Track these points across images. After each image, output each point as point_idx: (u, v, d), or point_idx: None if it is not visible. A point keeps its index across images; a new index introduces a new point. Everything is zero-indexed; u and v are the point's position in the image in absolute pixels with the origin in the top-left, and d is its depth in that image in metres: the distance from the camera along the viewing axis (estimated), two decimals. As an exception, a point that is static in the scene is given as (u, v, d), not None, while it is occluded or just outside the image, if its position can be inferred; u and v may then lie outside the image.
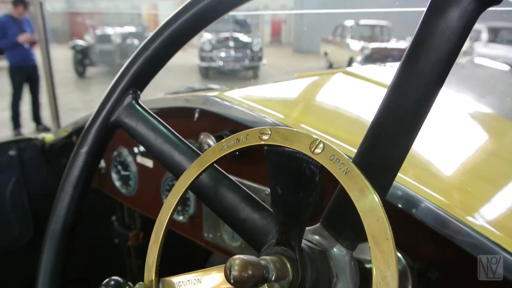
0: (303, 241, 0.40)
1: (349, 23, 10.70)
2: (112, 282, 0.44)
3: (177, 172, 0.49)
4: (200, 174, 0.45)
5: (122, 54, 10.32)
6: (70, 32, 13.84)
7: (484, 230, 0.55)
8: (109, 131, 0.56)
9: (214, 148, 0.45)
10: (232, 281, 0.33)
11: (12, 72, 5.35)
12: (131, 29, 11.57)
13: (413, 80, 0.36)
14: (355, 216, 0.35)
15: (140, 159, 1.20)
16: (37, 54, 5.31)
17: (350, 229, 0.40)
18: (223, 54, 10.00)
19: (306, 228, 0.41)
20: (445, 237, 0.57)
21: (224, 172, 0.50)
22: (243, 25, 11.38)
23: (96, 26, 12.01)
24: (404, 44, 8.28)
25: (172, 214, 0.45)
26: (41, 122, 5.70)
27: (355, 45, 9.93)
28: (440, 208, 0.59)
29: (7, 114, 5.54)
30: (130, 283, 0.45)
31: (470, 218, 0.58)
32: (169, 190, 1.12)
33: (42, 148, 1.39)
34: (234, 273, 0.33)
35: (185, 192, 0.46)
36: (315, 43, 12.94)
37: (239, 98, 0.93)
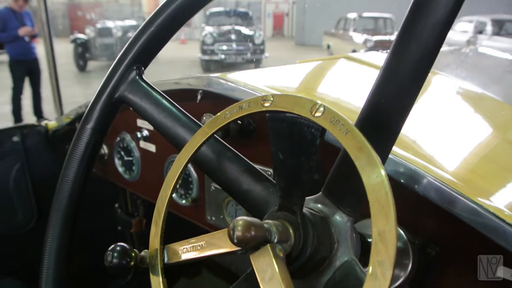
0: (306, 208, 0.41)
1: (352, 15, 10.64)
2: (118, 248, 0.43)
3: (180, 144, 0.49)
4: (205, 142, 0.45)
5: (123, 47, 10.29)
6: (71, 26, 13.84)
7: (487, 205, 0.55)
8: (114, 107, 0.57)
9: (217, 117, 0.45)
10: (235, 241, 0.34)
11: (13, 66, 5.31)
12: (131, 22, 11.55)
13: (412, 44, 0.37)
14: (356, 183, 0.36)
15: (143, 144, 1.20)
16: (38, 48, 5.30)
17: (351, 196, 0.41)
18: (224, 47, 9.97)
19: (308, 197, 0.42)
20: (446, 212, 0.57)
21: (227, 144, 0.50)
22: (245, 18, 11.37)
23: (97, 20, 11.99)
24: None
25: (177, 183, 0.45)
26: (43, 116, 5.69)
27: (358, 38, 9.88)
28: (442, 182, 0.59)
29: (8, 107, 5.53)
30: (135, 250, 0.44)
31: (472, 193, 0.58)
32: None
33: (46, 134, 1.41)
34: (238, 233, 0.33)
35: (190, 160, 0.45)
36: (317, 36, 12.88)
37: (242, 80, 0.92)
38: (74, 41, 10.18)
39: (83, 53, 10.18)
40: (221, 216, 0.98)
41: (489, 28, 7.43)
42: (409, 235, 0.65)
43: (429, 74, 0.38)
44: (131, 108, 0.56)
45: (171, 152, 1.11)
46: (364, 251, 0.43)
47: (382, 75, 0.40)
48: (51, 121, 1.45)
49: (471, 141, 0.88)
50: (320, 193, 0.43)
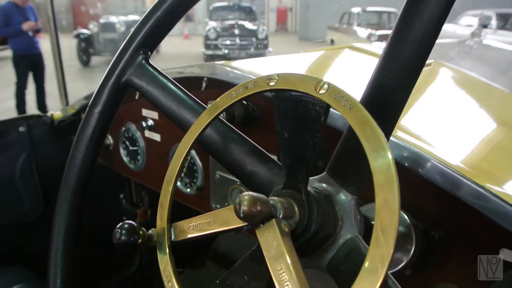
0: (310, 187, 0.41)
1: (356, 10, 10.58)
2: (126, 226, 0.44)
3: (186, 126, 0.49)
4: (211, 122, 0.45)
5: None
6: (74, 21, 13.85)
7: (492, 189, 0.56)
8: (121, 91, 0.58)
9: (223, 97, 0.45)
10: (241, 215, 0.34)
11: (16, 61, 5.28)
12: (135, 17, 11.52)
13: (414, 23, 0.38)
14: (359, 162, 0.38)
15: (148, 133, 1.20)
16: (42, 42, 5.30)
17: (354, 175, 0.41)
18: (228, 42, 9.96)
19: (313, 177, 0.43)
20: (450, 196, 0.58)
21: (232, 126, 0.51)
22: (248, 13, 11.34)
23: (100, 15, 11.98)
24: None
25: (184, 162, 0.46)
26: (47, 111, 5.68)
27: (362, 32, 9.83)
28: (447, 166, 0.59)
29: (12, 102, 5.54)
30: (143, 228, 0.45)
31: (477, 177, 0.58)
32: None
33: (51, 125, 1.42)
34: (244, 208, 0.34)
35: (196, 139, 0.46)
36: (321, 31, 12.83)
37: (247, 68, 0.93)
38: (77, 36, 10.17)
39: (86, 48, 10.16)
40: (226, 204, 0.99)
41: (494, 22, 7.38)
42: (413, 219, 0.66)
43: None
44: (137, 93, 0.56)
45: (176, 141, 1.11)
46: (367, 232, 0.43)
47: (385, 54, 0.40)
48: (57, 112, 1.45)
49: (477, 128, 0.88)
50: (325, 173, 0.44)
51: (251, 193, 0.35)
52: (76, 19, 14.47)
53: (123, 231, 0.43)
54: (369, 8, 10.80)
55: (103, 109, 0.57)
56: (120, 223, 0.44)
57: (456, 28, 7.33)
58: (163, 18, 0.55)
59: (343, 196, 0.41)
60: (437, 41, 0.39)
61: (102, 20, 10.78)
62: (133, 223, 0.44)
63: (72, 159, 0.57)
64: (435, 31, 0.38)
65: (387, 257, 0.30)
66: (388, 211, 0.30)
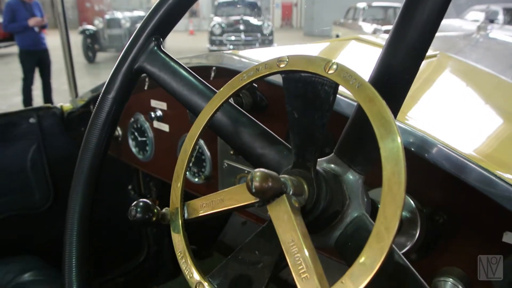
0: (319, 167, 0.42)
1: (361, 5, 10.54)
2: (141, 204, 0.45)
3: (198, 110, 0.50)
4: (223, 103, 0.46)
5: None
6: (79, 17, 13.86)
7: (499, 174, 0.56)
8: (133, 77, 0.59)
9: (235, 79, 0.46)
10: (253, 190, 0.35)
11: (23, 56, 5.30)
12: (140, 13, 11.52)
13: (419, 8, 0.39)
14: (366, 143, 0.39)
15: (156, 124, 1.22)
16: (48, 38, 5.32)
17: (361, 155, 0.42)
18: (233, 38, 9.96)
19: (321, 159, 0.44)
20: (455, 181, 0.59)
21: (242, 110, 0.52)
22: (253, 8, 11.31)
23: (105, 11, 11.98)
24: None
25: (196, 143, 0.47)
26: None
27: (368, 27, 9.78)
28: (453, 150, 0.60)
29: (19, 98, 5.57)
30: (158, 207, 0.46)
31: (482, 161, 0.59)
32: None
33: (61, 116, 1.44)
34: (256, 183, 0.35)
35: (208, 122, 0.47)
36: (326, 27, 12.79)
37: (255, 57, 0.93)
38: (83, 32, 10.17)
39: (92, 45, 10.16)
40: None
41: (501, 17, 7.33)
42: (418, 203, 0.67)
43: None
44: (146, 84, 0.57)
45: (185, 131, 1.12)
46: (374, 215, 0.44)
47: (391, 37, 0.41)
48: (66, 104, 1.47)
49: (482, 117, 0.89)
50: (333, 154, 0.45)
51: (262, 169, 0.36)
52: (81, 15, 14.50)
53: (138, 209, 0.44)
54: (375, 3, 10.75)
55: (116, 95, 0.58)
56: (136, 201, 0.45)
57: (463, 23, 7.29)
58: (174, 6, 0.56)
59: (351, 176, 0.42)
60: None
61: (107, 16, 10.78)
62: (147, 201, 0.45)
63: (86, 143, 0.58)
64: (439, 15, 0.39)
65: (394, 226, 0.31)
66: (395, 182, 0.31)
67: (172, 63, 0.56)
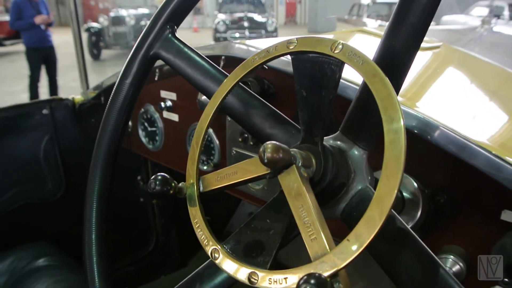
0: (326, 143, 0.45)
1: (366, 1, 10.52)
2: (160, 177, 0.48)
3: (212, 93, 0.52)
4: (236, 84, 0.49)
5: (136, 36, 10.31)
6: (84, 15, 13.90)
7: (499, 153, 0.59)
8: (149, 63, 0.61)
9: (247, 61, 0.49)
10: (265, 161, 0.37)
11: (29, 54, 5.36)
12: (144, 10, 11.56)
13: None
14: (370, 119, 0.42)
15: (166, 114, 1.25)
16: (54, 36, 5.36)
17: (365, 131, 0.45)
18: (237, 35, 10.00)
19: (327, 136, 0.46)
20: (455, 162, 0.61)
21: (252, 92, 0.54)
22: (257, 5, 11.32)
23: (110, 8, 12.00)
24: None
25: (210, 121, 0.49)
26: (59, 103, 5.76)
27: (372, 24, 9.75)
28: (455, 132, 0.63)
29: (25, 95, 5.62)
30: (175, 181, 0.49)
31: (481, 142, 0.61)
32: None
33: (73, 107, 1.48)
34: (268, 154, 0.37)
35: (221, 103, 0.49)
36: (330, 23, 12.77)
37: (261, 46, 0.95)
38: (88, 30, 10.20)
39: (97, 42, 10.19)
40: None
41: (506, 12, 7.30)
42: (420, 184, 0.70)
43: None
44: (156, 75, 0.59)
45: (194, 120, 1.16)
46: None
47: (393, 20, 0.44)
48: (77, 96, 1.51)
49: (480, 103, 0.92)
50: (338, 132, 0.47)
51: (274, 142, 0.38)
52: (86, 12, 14.53)
53: (157, 182, 0.47)
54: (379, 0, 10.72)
55: (133, 80, 0.61)
56: (155, 175, 0.48)
57: (468, 19, 7.28)
58: None
59: (356, 151, 0.45)
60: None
61: (112, 14, 10.82)
62: (166, 175, 0.48)
63: (104, 125, 0.61)
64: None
65: (394, 187, 0.33)
66: (395, 146, 0.34)
67: (186, 49, 0.59)
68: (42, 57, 5.37)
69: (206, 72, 0.56)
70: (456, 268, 0.67)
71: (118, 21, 10.55)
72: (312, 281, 0.32)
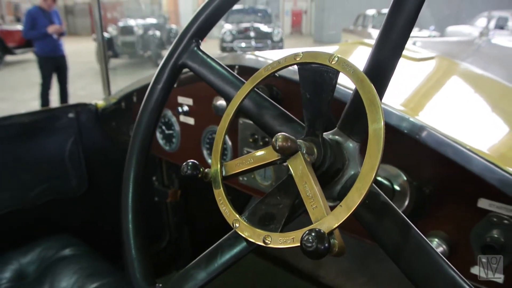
0: (326, 137, 0.54)
1: (371, 12, 10.65)
2: (190, 163, 0.57)
3: (231, 97, 0.63)
4: (253, 88, 0.59)
5: (144, 45, 10.48)
6: (93, 25, 14.09)
7: (475, 149, 0.68)
8: (177, 71, 0.72)
9: (262, 70, 0.59)
10: (277, 148, 0.47)
11: (41, 62, 5.48)
12: (152, 20, 11.74)
13: (399, 13, 0.51)
14: (362, 117, 0.48)
15: (183, 118, 1.36)
16: (65, 45, 5.48)
17: (358, 127, 0.53)
18: (243, 45, 10.11)
19: (327, 132, 0.56)
20: (440, 158, 0.71)
21: (265, 96, 0.64)
22: (263, 15, 11.45)
23: (119, 18, 12.18)
24: (427, 33, 8.16)
25: (232, 119, 0.59)
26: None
27: (377, 34, 9.83)
28: (440, 132, 0.72)
29: (36, 103, 5.72)
30: (202, 167, 0.58)
31: (466, 141, 0.70)
32: (209, 143, 1.29)
33: (95, 112, 1.59)
34: (279, 143, 0.47)
35: (240, 104, 0.59)
36: (336, 34, 12.91)
37: (270, 56, 1.06)
38: (97, 39, 10.34)
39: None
40: (252, 176, 1.13)
41: (510, 23, 7.39)
42: (408, 177, 0.80)
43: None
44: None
45: (209, 123, 1.27)
46: None
47: (379, 36, 0.53)
48: (100, 101, 1.62)
49: (470, 110, 1.01)
50: (336, 128, 0.57)
51: (283, 133, 0.48)
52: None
53: (189, 167, 0.57)
54: (384, 10, 10.73)
55: (163, 85, 0.71)
56: (186, 162, 0.58)
57: (472, 30, 7.36)
58: (211, 14, 0.70)
59: (350, 144, 0.55)
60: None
61: (120, 24, 10.99)
62: (195, 161, 0.58)
63: (138, 125, 0.71)
64: (414, 17, 0.51)
65: (375, 164, 0.44)
66: (377, 136, 0.44)
67: (209, 60, 0.69)
68: (54, 66, 5.48)
69: (226, 79, 0.66)
70: (440, 249, 0.77)
71: (126, 30, 10.71)
72: (313, 234, 0.42)
